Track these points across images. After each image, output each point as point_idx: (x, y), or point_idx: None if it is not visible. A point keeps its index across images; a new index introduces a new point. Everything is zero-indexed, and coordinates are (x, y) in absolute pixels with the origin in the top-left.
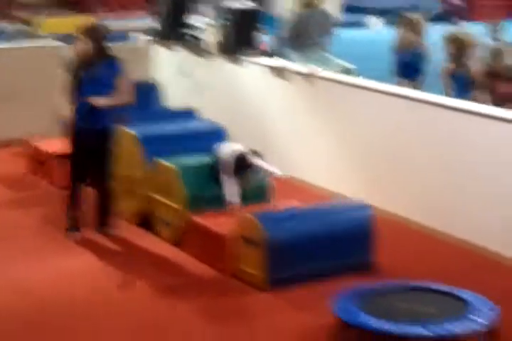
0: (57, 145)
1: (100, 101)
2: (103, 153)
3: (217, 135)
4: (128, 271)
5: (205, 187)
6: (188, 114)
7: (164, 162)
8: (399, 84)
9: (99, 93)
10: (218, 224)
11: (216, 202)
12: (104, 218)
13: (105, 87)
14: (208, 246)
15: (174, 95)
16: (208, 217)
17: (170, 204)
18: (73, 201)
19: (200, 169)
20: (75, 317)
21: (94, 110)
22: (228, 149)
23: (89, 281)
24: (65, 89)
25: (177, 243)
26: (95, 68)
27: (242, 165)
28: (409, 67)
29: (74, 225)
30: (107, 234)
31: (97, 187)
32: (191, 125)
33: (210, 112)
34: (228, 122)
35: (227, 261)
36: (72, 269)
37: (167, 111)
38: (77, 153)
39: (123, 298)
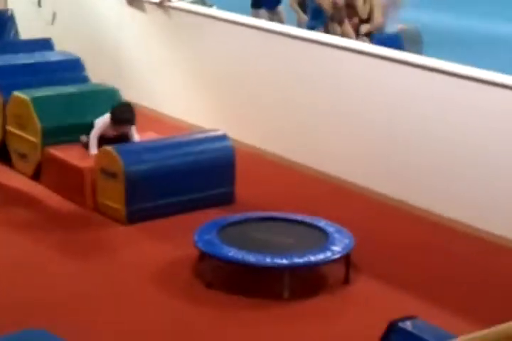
0: None
1: None
2: None
3: (73, 65)
4: None
5: (60, 119)
6: (43, 44)
7: (18, 93)
8: (254, 15)
9: None
10: (76, 156)
11: (72, 133)
12: None
13: None
14: (66, 179)
15: (29, 26)
16: (65, 149)
17: (26, 137)
18: None
19: (54, 100)
20: None
21: None
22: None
23: None
24: None
25: (34, 176)
26: None
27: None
28: None
29: None
30: None
31: None
32: (46, 56)
33: (66, 43)
34: (84, 53)
35: (86, 195)
36: None
37: (22, 42)
38: None
39: None
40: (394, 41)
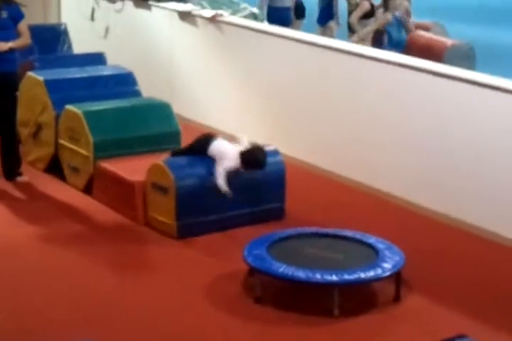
0: None
1: (7, 45)
2: (12, 98)
3: (125, 79)
4: (34, 218)
5: (112, 133)
6: (96, 58)
7: (71, 107)
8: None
9: (4, 38)
10: (128, 170)
11: (124, 147)
12: (14, 166)
13: (7, 31)
14: (117, 193)
15: (81, 40)
16: (117, 163)
17: (78, 150)
18: None
19: (107, 114)
20: None
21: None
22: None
23: None
24: None
25: (86, 190)
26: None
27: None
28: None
29: None
30: (15, 182)
31: (4, 135)
32: (99, 70)
33: (118, 57)
34: (136, 67)
35: (137, 209)
36: None
37: (75, 56)
38: None
39: (30, 245)
40: None
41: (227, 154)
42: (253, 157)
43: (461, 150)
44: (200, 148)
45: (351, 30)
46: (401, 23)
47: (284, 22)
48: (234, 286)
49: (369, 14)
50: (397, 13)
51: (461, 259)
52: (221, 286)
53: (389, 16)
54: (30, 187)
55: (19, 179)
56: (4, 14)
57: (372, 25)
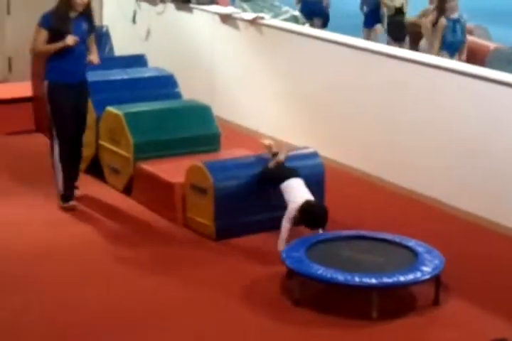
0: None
1: (96, 56)
2: (87, 103)
3: (166, 82)
4: (75, 218)
5: (152, 134)
6: (137, 60)
7: (111, 109)
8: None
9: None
10: (167, 172)
11: (164, 148)
12: (73, 179)
13: (84, 44)
14: (157, 194)
15: (122, 42)
16: (157, 164)
17: (118, 152)
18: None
19: (147, 116)
20: (24, 265)
21: (81, 64)
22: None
23: (37, 230)
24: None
25: (125, 191)
26: (77, 22)
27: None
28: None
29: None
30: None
31: (75, 141)
32: (140, 72)
33: (159, 59)
34: (177, 69)
35: (176, 210)
36: (17, 218)
37: (116, 58)
38: (65, 111)
39: (71, 246)
40: None
41: (296, 198)
42: (312, 215)
43: (505, 154)
44: (279, 176)
45: (390, 34)
46: (457, 24)
47: (317, 14)
48: (272, 288)
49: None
50: (455, 15)
51: (502, 263)
52: (259, 288)
53: (444, 21)
54: None
55: (76, 193)
56: (85, 26)
57: (437, 36)
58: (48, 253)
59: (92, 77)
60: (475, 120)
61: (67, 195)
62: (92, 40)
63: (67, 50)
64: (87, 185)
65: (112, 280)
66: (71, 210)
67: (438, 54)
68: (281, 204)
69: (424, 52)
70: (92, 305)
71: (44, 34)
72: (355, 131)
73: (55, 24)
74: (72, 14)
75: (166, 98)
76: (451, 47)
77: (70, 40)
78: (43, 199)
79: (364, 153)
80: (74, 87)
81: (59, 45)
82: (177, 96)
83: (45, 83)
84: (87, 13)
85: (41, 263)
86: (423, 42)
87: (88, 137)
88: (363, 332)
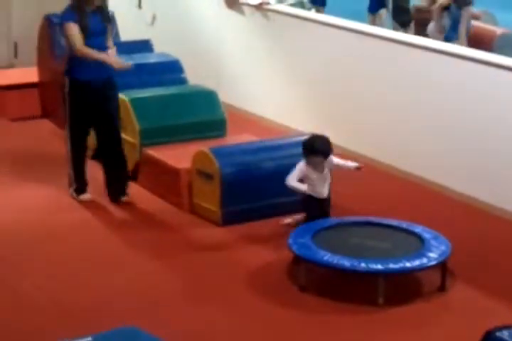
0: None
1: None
2: (116, 100)
3: (172, 67)
4: (80, 203)
5: (158, 120)
6: (142, 46)
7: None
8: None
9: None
10: (173, 157)
11: (170, 134)
12: (122, 186)
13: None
14: (163, 180)
15: (128, 27)
16: (163, 150)
17: (124, 138)
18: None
19: (153, 101)
20: (31, 249)
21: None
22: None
23: (43, 215)
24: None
25: (132, 176)
26: (93, 16)
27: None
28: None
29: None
30: (118, 202)
31: (110, 145)
32: (146, 57)
33: (165, 45)
34: (182, 54)
35: (182, 195)
36: (26, 201)
37: (122, 43)
38: (82, 110)
39: (76, 231)
40: None
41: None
42: (311, 141)
43: (510, 140)
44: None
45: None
46: None
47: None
48: (278, 274)
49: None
50: None
51: (508, 249)
52: (265, 274)
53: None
54: None
55: (124, 199)
56: (100, 19)
57: (463, 22)
58: (51, 238)
59: None
60: (481, 104)
61: (78, 187)
62: (110, 35)
63: (87, 45)
64: (93, 172)
65: (118, 264)
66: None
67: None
68: (289, 190)
69: (433, 37)
70: (100, 288)
71: (77, 29)
72: (361, 115)
73: (76, 18)
74: (89, 8)
75: (171, 83)
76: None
77: (115, 62)
78: (49, 185)
79: (371, 138)
80: (97, 86)
81: (102, 57)
82: (183, 81)
83: (66, 80)
84: (101, 7)
85: (47, 248)
86: (431, 27)
87: None
88: (369, 318)
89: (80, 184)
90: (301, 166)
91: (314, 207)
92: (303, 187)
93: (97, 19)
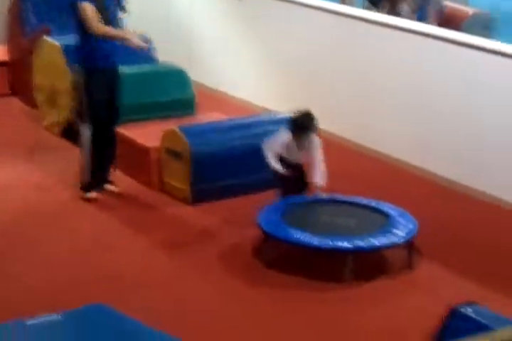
0: None
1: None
2: (119, 93)
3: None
4: (48, 182)
5: (129, 98)
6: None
7: None
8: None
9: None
10: (143, 136)
11: (141, 112)
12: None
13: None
14: (132, 158)
15: None
16: (133, 129)
17: None
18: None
19: (124, 80)
20: (15, 227)
21: (114, 45)
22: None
23: (15, 192)
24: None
25: None
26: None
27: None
28: None
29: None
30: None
31: (108, 129)
32: None
33: (136, 24)
34: (154, 34)
35: (151, 174)
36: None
37: None
38: (103, 99)
39: (45, 209)
40: None
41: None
42: (297, 118)
43: (478, 118)
44: None
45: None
46: None
47: None
48: (246, 251)
49: None
50: None
51: (476, 228)
52: (234, 251)
53: None
54: (46, 151)
55: (109, 187)
56: (114, 2)
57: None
58: (22, 216)
59: (67, 41)
60: (450, 84)
61: (91, 183)
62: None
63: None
64: (62, 150)
65: (85, 242)
66: (92, 201)
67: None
68: (259, 168)
69: (407, 17)
70: (72, 266)
71: (94, 9)
72: (329, 95)
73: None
74: None
75: (142, 62)
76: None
77: (136, 40)
78: (23, 164)
79: (343, 117)
80: (110, 71)
81: (123, 34)
82: (153, 60)
83: (82, 69)
84: None
85: (19, 228)
86: (405, 8)
87: (63, 101)
88: (335, 295)
89: (94, 180)
90: (284, 139)
91: (290, 180)
92: (281, 170)
93: (111, 2)
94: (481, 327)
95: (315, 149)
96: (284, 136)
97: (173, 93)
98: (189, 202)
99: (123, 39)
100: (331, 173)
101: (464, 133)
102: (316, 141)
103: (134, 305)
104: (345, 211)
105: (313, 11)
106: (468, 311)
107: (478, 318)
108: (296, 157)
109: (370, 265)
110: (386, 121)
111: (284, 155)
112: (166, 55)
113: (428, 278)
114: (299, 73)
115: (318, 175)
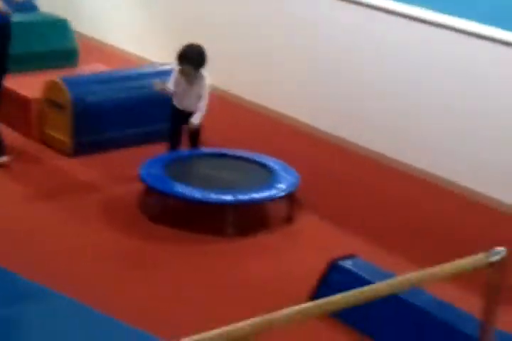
0: None
1: None
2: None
3: None
4: None
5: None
6: None
7: None
8: None
9: None
10: (24, 87)
11: (20, 63)
12: None
13: None
14: (13, 109)
15: None
16: (13, 80)
17: None
18: None
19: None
20: None
21: None
22: None
23: None
24: None
25: None
26: None
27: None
28: None
29: None
30: None
31: None
32: None
33: None
34: None
35: (32, 125)
36: None
37: None
38: None
39: None
40: None
41: None
42: (183, 51)
43: (367, 73)
44: None
45: None
46: None
47: None
48: (129, 205)
49: None
50: None
51: (359, 184)
52: (117, 205)
53: None
54: None
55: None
56: None
57: None
58: None
59: None
60: (403, 59)
61: None
62: None
63: None
64: None
65: None
66: None
67: None
68: (144, 120)
69: None
70: None
71: None
72: (222, 51)
73: None
74: None
75: (20, 11)
76: None
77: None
78: None
79: (236, 77)
80: None
81: None
82: (34, 9)
83: None
84: None
85: None
86: None
87: None
88: (217, 248)
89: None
90: (174, 73)
91: (178, 120)
92: (170, 90)
93: None
94: (359, 280)
95: (202, 87)
96: (175, 72)
97: (53, 43)
98: (70, 154)
99: None
100: (214, 127)
101: (359, 87)
102: (203, 77)
103: (23, 263)
104: (228, 164)
105: None
106: (348, 264)
107: (357, 271)
108: (187, 96)
109: (251, 218)
110: (271, 77)
111: (176, 90)
112: (46, 4)
113: (309, 232)
114: (183, 23)
115: (197, 115)
